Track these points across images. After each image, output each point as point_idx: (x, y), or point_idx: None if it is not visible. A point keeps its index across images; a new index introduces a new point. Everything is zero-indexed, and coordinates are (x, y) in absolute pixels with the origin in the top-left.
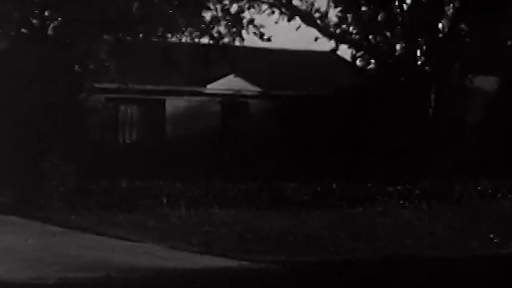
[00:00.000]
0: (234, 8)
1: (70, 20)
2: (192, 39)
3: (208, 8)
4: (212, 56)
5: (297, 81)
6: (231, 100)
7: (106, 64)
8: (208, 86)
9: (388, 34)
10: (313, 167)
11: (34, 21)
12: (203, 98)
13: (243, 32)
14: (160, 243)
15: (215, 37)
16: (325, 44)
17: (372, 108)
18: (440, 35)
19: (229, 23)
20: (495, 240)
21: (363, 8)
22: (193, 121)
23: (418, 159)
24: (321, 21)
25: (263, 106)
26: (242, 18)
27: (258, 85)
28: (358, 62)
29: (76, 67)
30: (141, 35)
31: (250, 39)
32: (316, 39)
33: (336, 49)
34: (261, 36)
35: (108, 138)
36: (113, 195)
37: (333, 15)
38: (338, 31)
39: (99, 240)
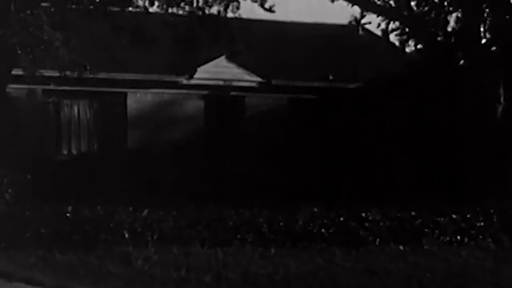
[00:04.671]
0: None
1: None
2: (166, 8)
3: None
4: (195, 32)
5: (311, 67)
6: (220, 94)
7: (44, 43)
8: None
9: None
10: (334, 185)
11: None
12: (181, 91)
13: None
14: None
15: (198, 5)
16: (348, 14)
17: (416, 105)
18: None
19: None
20: None
21: None
22: (166, 124)
23: (482, 177)
24: None
25: (265, 102)
26: None
27: (258, 73)
28: (395, 41)
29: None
30: (95, 2)
31: (247, 8)
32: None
33: (359, 19)
34: (262, 3)
35: (46, 148)
36: (55, 227)
37: None
38: None
39: None
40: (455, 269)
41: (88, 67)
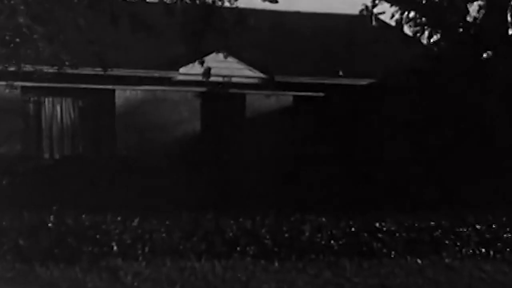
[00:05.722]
0: None
1: None
2: None
3: None
4: (189, 23)
5: (318, 62)
6: (217, 91)
7: (22, 35)
8: (182, 70)
9: None
10: (344, 192)
11: None
12: (174, 88)
13: None
14: None
15: None
16: (359, 3)
17: (435, 104)
18: None
19: None
20: None
21: None
22: (158, 124)
23: (510, 183)
24: None
25: (267, 100)
26: None
27: (260, 68)
28: (409, 32)
29: None
30: None
31: None
32: None
33: (372, 8)
34: None
35: (26, 151)
36: (36, 238)
37: None
38: None
39: None
40: (479, 285)
41: (67, 62)
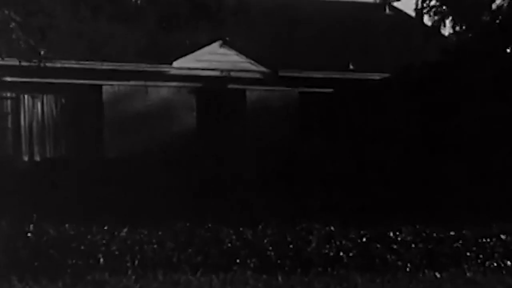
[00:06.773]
0: None
1: None
2: None
3: None
4: (184, 11)
5: (326, 54)
6: (215, 87)
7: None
8: (176, 63)
9: None
10: (355, 198)
11: None
12: (167, 83)
13: None
14: None
15: None
16: None
17: (456, 100)
18: None
19: None
20: None
21: None
22: (150, 123)
23: None
24: None
25: (270, 97)
26: None
27: (262, 62)
28: (429, 22)
29: None
30: None
31: None
32: None
33: None
34: None
35: (2, 152)
36: (14, 249)
37: None
38: None
39: None
40: None
41: (42, 53)
